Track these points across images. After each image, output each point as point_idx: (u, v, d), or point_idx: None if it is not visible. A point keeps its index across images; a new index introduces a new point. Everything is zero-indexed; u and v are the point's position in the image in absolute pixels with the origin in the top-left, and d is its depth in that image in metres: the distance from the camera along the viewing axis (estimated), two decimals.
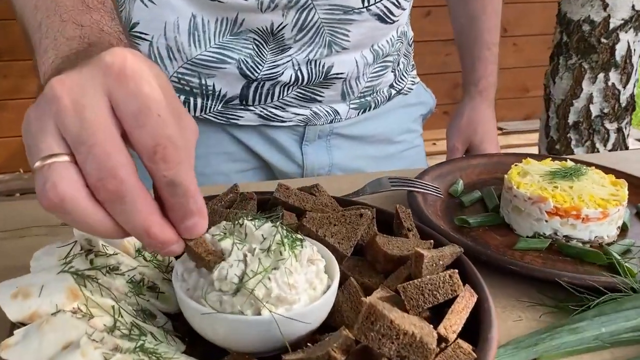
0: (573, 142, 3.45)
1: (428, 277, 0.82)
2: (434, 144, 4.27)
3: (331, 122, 1.66)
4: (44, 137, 0.66)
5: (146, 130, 0.67)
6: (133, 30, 1.50)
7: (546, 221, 1.21)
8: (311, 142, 1.66)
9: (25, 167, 3.63)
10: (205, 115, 1.57)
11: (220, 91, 1.54)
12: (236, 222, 0.87)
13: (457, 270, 0.83)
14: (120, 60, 0.67)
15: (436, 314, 0.84)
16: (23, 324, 0.77)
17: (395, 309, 0.74)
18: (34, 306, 0.77)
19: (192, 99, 1.56)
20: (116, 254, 0.91)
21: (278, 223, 0.86)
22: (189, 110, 1.54)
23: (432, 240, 0.99)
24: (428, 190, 1.36)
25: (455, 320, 0.80)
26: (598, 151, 3.43)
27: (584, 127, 3.40)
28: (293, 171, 1.68)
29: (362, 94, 1.67)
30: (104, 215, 0.69)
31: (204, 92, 1.54)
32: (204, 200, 0.74)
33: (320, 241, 0.94)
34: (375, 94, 1.71)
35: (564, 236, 1.21)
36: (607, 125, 3.39)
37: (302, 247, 0.84)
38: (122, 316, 0.81)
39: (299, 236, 0.88)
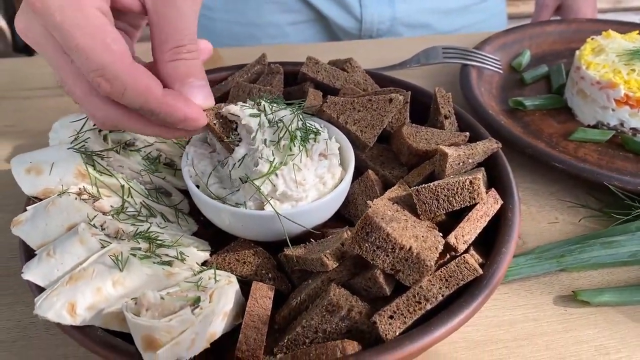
0: None
1: (445, 181, 0.75)
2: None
3: None
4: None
5: (80, 64, 0.63)
6: None
7: (613, 110, 1.06)
8: None
9: None
10: None
11: None
12: (254, 103, 0.81)
13: (479, 176, 0.75)
14: None
15: (455, 218, 0.79)
16: (38, 199, 0.80)
17: (397, 218, 0.69)
18: (45, 183, 0.79)
19: None
20: None
21: (296, 112, 0.80)
22: None
23: (467, 133, 0.89)
24: (485, 63, 1.22)
25: (469, 229, 0.74)
26: None
27: None
28: (350, 25, 1.55)
29: None
30: (117, 112, 0.67)
31: None
32: (187, 101, 0.67)
33: (340, 129, 0.87)
34: None
35: (630, 129, 1.07)
36: None
37: (315, 142, 0.79)
38: (131, 196, 0.82)
39: (316, 127, 0.82)
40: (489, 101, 1.14)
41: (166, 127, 0.69)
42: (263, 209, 0.75)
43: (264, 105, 0.79)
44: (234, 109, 0.78)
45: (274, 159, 0.75)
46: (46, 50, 0.65)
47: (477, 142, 0.87)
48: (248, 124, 0.77)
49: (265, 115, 0.77)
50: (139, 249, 0.71)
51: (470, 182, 0.75)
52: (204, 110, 0.69)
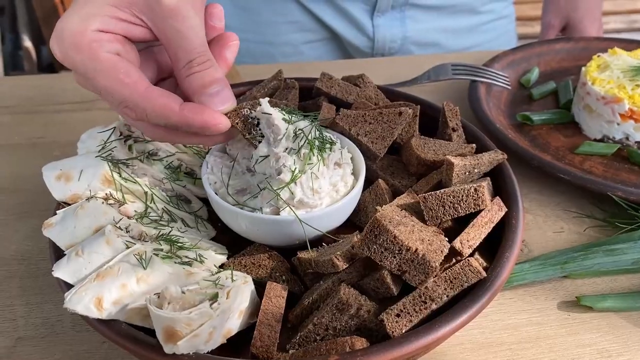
0: None
1: (451, 188, 0.78)
2: (534, 8, 3.75)
3: None
4: None
5: (109, 102, 0.74)
6: None
7: (618, 124, 1.09)
8: (383, 12, 1.56)
9: None
10: None
11: None
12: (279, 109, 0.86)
13: (484, 184, 0.78)
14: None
15: (461, 224, 0.82)
16: (67, 203, 0.85)
17: (404, 223, 0.73)
18: (74, 189, 0.84)
19: None
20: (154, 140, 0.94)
21: (313, 123, 0.85)
22: None
23: (474, 145, 0.93)
24: (494, 79, 1.26)
25: (474, 235, 0.77)
26: None
27: None
28: (363, 44, 1.61)
29: None
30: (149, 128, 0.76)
31: None
32: (203, 110, 0.72)
33: (352, 140, 0.92)
34: None
35: (635, 142, 1.10)
36: None
37: (331, 151, 0.83)
38: (154, 202, 0.87)
39: (331, 137, 0.87)
40: (497, 116, 1.17)
41: (198, 135, 0.75)
42: (278, 215, 0.79)
43: (282, 118, 0.83)
44: (267, 107, 0.82)
45: (295, 168, 0.79)
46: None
47: (483, 153, 0.90)
48: (278, 126, 0.81)
49: (291, 122, 0.82)
50: (161, 250, 0.75)
51: (475, 189, 0.78)
52: (225, 113, 0.74)
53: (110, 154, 0.87)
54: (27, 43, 3.29)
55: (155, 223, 0.83)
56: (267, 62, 1.59)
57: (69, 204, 0.84)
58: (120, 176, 0.86)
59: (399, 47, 1.62)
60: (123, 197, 0.84)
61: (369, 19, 1.57)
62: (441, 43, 1.64)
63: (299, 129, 0.81)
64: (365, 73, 1.09)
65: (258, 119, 0.80)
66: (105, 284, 0.69)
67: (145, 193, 0.86)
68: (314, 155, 0.79)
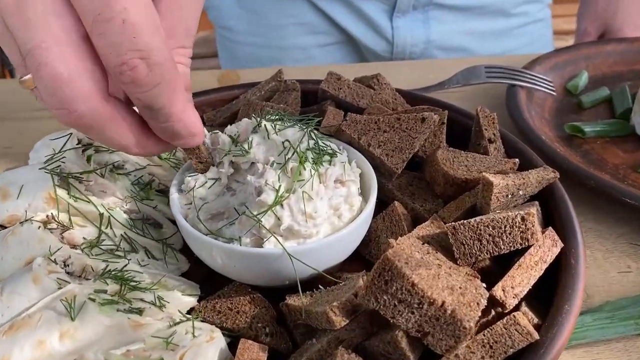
0: None
1: (490, 216, 0.59)
2: (572, 21, 3.52)
3: None
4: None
5: (108, 41, 0.47)
6: None
7: None
8: (404, 13, 1.39)
9: None
10: None
11: None
12: (257, 123, 0.68)
13: (533, 211, 0.59)
14: None
15: (503, 265, 0.63)
16: (3, 226, 0.68)
17: (426, 263, 0.54)
18: (12, 209, 0.67)
19: None
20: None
21: (308, 129, 0.67)
22: None
23: (517, 160, 0.74)
24: (536, 84, 1.07)
25: (520, 279, 0.58)
26: None
27: None
28: (381, 48, 1.43)
29: None
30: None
31: None
32: (196, 115, 0.57)
33: (362, 152, 0.73)
34: None
35: None
36: None
37: (330, 165, 0.65)
38: (111, 227, 0.69)
39: (332, 147, 0.68)
40: (541, 126, 0.98)
41: (157, 140, 0.58)
42: (261, 246, 0.61)
43: (264, 125, 0.66)
44: (215, 137, 0.68)
45: (280, 185, 0.61)
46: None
47: (530, 171, 0.71)
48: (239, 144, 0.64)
49: (276, 130, 0.64)
50: (104, 291, 0.57)
51: (523, 218, 0.59)
52: None
53: (60, 166, 0.70)
54: None
55: (108, 254, 0.65)
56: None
57: (6, 227, 0.67)
58: (69, 194, 0.68)
59: (421, 51, 1.44)
60: (70, 220, 0.67)
61: (388, 20, 1.41)
62: (469, 48, 1.47)
63: (286, 139, 0.63)
64: (388, 76, 0.91)
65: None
66: (17, 339, 0.51)
67: (100, 215, 0.69)
68: (305, 169, 0.61)
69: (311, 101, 0.91)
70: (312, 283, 0.64)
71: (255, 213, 0.60)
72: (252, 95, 0.91)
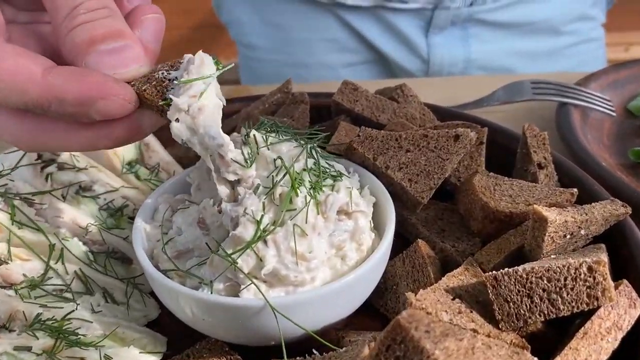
0: None
1: (544, 264, 0.44)
2: (627, 49, 3.33)
3: (471, 4, 1.23)
4: None
5: None
6: None
7: None
8: (441, 30, 1.26)
9: (173, 59, 3.59)
10: None
11: None
12: (245, 134, 0.54)
13: (604, 259, 0.43)
14: None
15: (561, 330, 0.47)
16: None
17: (454, 331, 0.38)
18: None
19: None
20: (90, 168, 0.64)
21: (308, 144, 0.53)
22: None
23: (575, 190, 0.58)
24: (591, 103, 0.91)
25: (587, 355, 0.42)
26: None
27: None
28: (415, 67, 1.30)
29: None
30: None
31: None
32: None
33: (379, 176, 0.58)
34: None
35: None
36: None
37: (332, 191, 0.51)
38: (62, 262, 0.56)
39: (336, 169, 0.54)
40: (600, 152, 0.82)
41: (83, 125, 0.46)
42: (238, 296, 0.46)
43: (254, 135, 0.52)
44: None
45: (262, 215, 0.47)
46: None
47: (593, 204, 0.55)
48: (225, 142, 0.50)
49: (257, 149, 0.50)
50: (28, 349, 0.44)
51: (590, 268, 0.43)
52: (129, 80, 0.45)
53: (7, 184, 0.58)
54: None
55: (52, 297, 0.52)
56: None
57: None
58: (12, 219, 0.55)
59: (460, 71, 1.31)
60: (9, 252, 0.54)
61: (423, 37, 1.28)
62: (514, 68, 1.33)
63: (278, 156, 0.49)
64: (417, 93, 0.77)
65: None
66: None
67: (50, 247, 0.56)
68: (297, 196, 0.46)
69: (324, 117, 0.78)
70: (304, 344, 0.49)
71: (229, 252, 0.45)
72: (254, 108, 0.78)
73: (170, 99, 0.44)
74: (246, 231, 0.46)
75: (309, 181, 0.50)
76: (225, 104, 0.50)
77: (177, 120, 0.46)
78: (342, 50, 1.33)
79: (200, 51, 0.47)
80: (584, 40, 1.37)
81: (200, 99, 0.45)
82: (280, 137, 0.54)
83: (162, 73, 0.46)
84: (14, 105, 0.43)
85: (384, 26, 1.28)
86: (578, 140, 0.80)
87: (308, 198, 0.48)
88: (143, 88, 0.44)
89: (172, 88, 0.45)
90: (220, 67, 0.48)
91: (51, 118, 0.45)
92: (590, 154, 0.77)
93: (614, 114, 0.93)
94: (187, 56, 0.47)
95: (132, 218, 0.65)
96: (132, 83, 0.45)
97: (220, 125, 0.48)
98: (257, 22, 1.39)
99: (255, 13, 1.36)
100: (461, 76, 1.24)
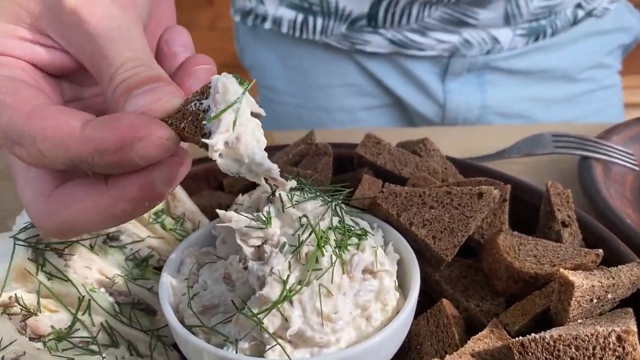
0: None
1: (571, 331, 0.43)
2: None
3: (487, 52, 1.25)
4: None
5: None
6: None
7: None
8: (457, 76, 1.27)
9: None
10: (326, 40, 1.28)
11: (344, 9, 1.23)
12: (271, 191, 0.55)
13: (633, 328, 0.43)
14: None
15: None
16: None
17: None
18: None
19: (311, 19, 1.28)
20: None
21: (333, 202, 0.54)
22: (307, 32, 1.27)
23: (600, 250, 0.58)
24: (613, 157, 0.91)
25: None
26: None
27: None
28: (432, 112, 1.31)
29: (534, 17, 1.23)
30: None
31: (325, 9, 1.25)
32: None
33: (403, 232, 0.59)
34: (553, 17, 1.25)
35: None
36: None
37: (357, 250, 0.51)
38: (90, 314, 0.57)
39: (362, 227, 0.55)
40: (623, 207, 0.82)
41: (107, 192, 0.46)
42: (263, 356, 0.46)
43: (279, 195, 0.53)
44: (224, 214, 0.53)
45: (289, 275, 0.48)
46: None
47: (620, 267, 0.55)
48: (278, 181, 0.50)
49: (282, 208, 0.51)
50: None
51: (619, 337, 0.43)
52: (164, 117, 0.44)
53: (38, 235, 0.59)
54: None
55: (79, 349, 0.53)
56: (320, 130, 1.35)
57: None
58: (42, 269, 0.56)
59: (476, 117, 1.31)
60: (38, 303, 0.55)
61: (440, 83, 1.30)
62: (530, 115, 1.33)
63: (303, 214, 0.49)
64: (436, 143, 0.78)
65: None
66: None
67: (80, 299, 0.57)
68: (323, 255, 0.47)
69: (346, 168, 0.79)
70: None
71: (255, 311, 0.46)
72: (278, 159, 0.80)
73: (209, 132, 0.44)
74: (272, 291, 0.46)
75: (335, 240, 0.51)
76: (264, 114, 0.48)
77: (220, 156, 0.44)
78: (360, 94, 1.35)
79: (221, 76, 0.45)
80: (600, 88, 1.37)
81: (235, 127, 0.44)
82: (306, 195, 0.54)
83: (195, 104, 0.45)
84: (62, 163, 0.44)
85: (402, 72, 1.29)
86: (602, 195, 0.80)
87: (334, 257, 0.49)
88: (181, 126, 0.44)
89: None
90: (245, 85, 0.45)
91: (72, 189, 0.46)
92: (614, 210, 0.77)
93: (636, 167, 0.92)
94: (214, 80, 0.45)
95: (157, 268, 0.67)
96: (170, 122, 0.44)
97: (264, 143, 0.46)
98: (279, 67, 1.42)
99: (277, 58, 1.39)
100: (480, 126, 1.25)
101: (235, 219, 0.51)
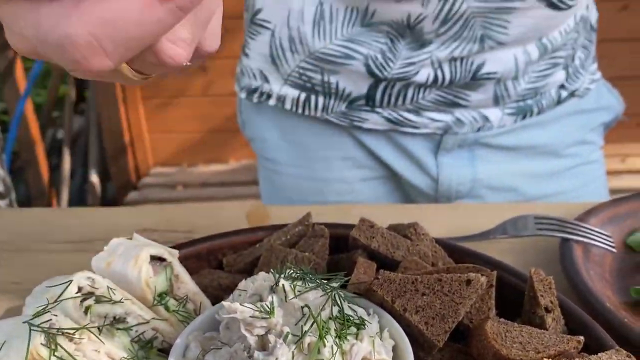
0: None
1: None
2: (623, 160, 3.49)
3: (478, 130, 1.32)
4: None
5: None
6: (256, 17, 1.34)
7: None
8: (449, 151, 1.34)
9: (189, 162, 3.73)
10: (327, 117, 1.36)
11: (344, 90, 1.31)
12: (274, 280, 0.59)
13: None
14: None
15: None
16: None
17: None
18: None
19: (313, 97, 1.35)
20: (124, 301, 0.69)
21: (332, 292, 0.58)
22: (309, 109, 1.34)
23: (582, 337, 0.62)
24: (593, 239, 0.96)
25: None
26: None
27: None
28: (425, 185, 1.37)
29: (521, 97, 1.31)
30: None
31: (327, 90, 1.33)
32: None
33: (397, 318, 0.63)
34: (539, 97, 1.34)
35: None
36: None
37: (356, 340, 0.55)
38: None
39: (359, 315, 0.58)
40: (603, 289, 0.86)
41: None
42: None
43: (282, 285, 0.57)
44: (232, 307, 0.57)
45: None
46: None
47: (599, 355, 0.59)
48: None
49: (285, 299, 0.55)
50: None
51: None
52: None
53: (50, 320, 0.62)
54: (94, 178, 3.30)
55: None
56: (317, 199, 1.40)
57: None
58: (54, 354, 0.59)
59: (468, 190, 1.38)
60: None
61: (433, 158, 1.37)
62: (519, 188, 1.40)
63: (305, 304, 0.53)
64: (423, 222, 0.82)
65: None
66: None
67: None
68: (325, 346, 0.51)
69: (342, 247, 0.83)
70: None
71: None
72: (276, 239, 0.84)
73: None
74: None
75: (335, 329, 0.54)
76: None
77: None
78: (358, 167, 1.41)
79: None
80: (584, 163, 1.44)
81: None
82: (307, 284, 0.58)
83: None
84: None
85: (397, 147, 1.36)
86: (582, 278, 0.84)
87: (334, 348, 0.52)
88: None
89: None
90: None
91: None
92: (594, 294, 0.81)
93: (614, 250, 0.97)
94: None
95: (161, 350, 0.69)
96: None
97: None
98: (279, 140, 1.48)
99: (278, 131, 1.45)
100: (469, 203, 1.30)
101: (239, 310, 0.55)
